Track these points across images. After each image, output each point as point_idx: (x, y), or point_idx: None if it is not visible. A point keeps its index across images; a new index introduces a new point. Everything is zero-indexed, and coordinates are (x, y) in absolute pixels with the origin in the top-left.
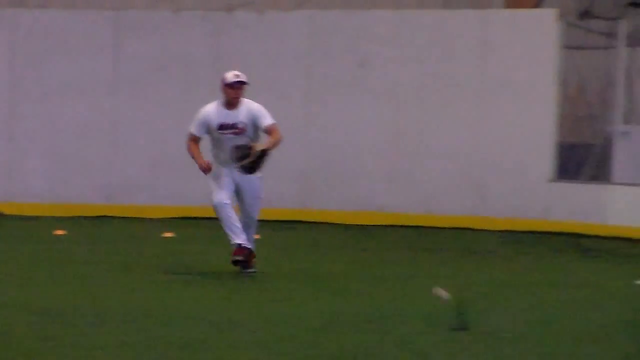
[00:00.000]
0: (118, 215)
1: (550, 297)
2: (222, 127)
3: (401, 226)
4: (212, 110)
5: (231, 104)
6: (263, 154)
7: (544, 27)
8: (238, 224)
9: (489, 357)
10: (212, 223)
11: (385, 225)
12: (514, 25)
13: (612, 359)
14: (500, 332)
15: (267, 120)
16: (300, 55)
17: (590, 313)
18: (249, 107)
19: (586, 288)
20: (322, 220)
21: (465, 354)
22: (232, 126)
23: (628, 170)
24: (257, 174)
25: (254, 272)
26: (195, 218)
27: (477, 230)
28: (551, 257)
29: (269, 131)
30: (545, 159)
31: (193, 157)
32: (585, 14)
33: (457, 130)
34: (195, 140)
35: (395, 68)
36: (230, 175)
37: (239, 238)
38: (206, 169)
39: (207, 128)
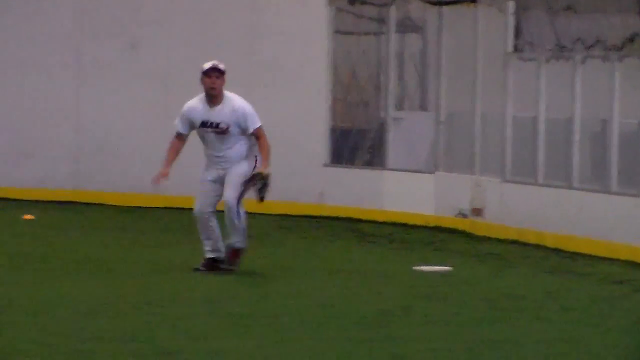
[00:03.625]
0: None
1: (330, 282)
2: (204, 124)
3: (178, 208)
4: (194, 105)
5: (212, 98)
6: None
7: (313, 11)
8: (215, 236)
9: (269, 340)
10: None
11: (161, 208)
12: (283, 10)
13: (387, 341)
14: (280, 315)
15: (253, 123)
16: (68, 35)
17: (369, 297)
18: (233, 105)
19: (364, 273)
20: (97, 202)
21: (245, 336)
22: (216, 125)
23: (401, 156)
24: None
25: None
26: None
27: (252, 213)
28: (328, 241)
29: (256, 136)
30: (319, 143)
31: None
32: (355, 0)
33: None
34: (179, 138)
35: (164, 50)
36: (214, 178)
37: (210, 253)
38: (156, 179)
39: (191, 124)
